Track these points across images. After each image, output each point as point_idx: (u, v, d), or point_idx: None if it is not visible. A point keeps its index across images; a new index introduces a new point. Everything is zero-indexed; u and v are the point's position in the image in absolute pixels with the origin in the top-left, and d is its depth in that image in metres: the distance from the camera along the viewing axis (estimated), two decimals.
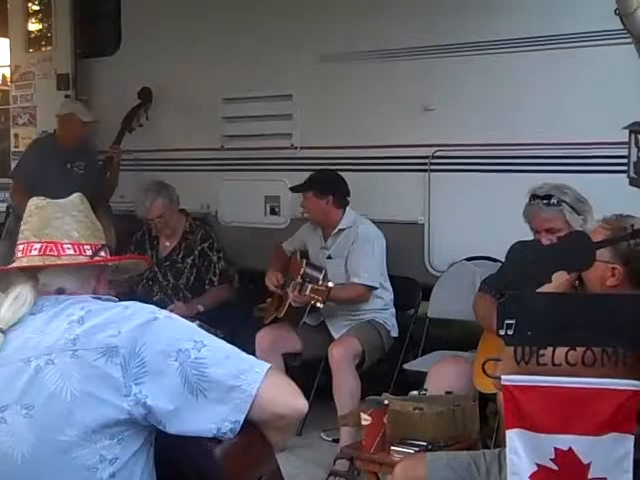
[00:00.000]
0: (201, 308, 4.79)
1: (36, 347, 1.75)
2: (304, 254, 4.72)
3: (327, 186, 4.58)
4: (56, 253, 1.87)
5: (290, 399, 1.77)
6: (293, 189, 4.77)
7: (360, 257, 4.50)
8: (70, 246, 1.88)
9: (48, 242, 1.88)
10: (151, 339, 1.74)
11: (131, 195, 5.42)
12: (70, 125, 5.75)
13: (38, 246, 1.88)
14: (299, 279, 4.40)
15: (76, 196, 2.00)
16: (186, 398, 1.71)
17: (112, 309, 1.80)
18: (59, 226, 1.90)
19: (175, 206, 5.01)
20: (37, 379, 1.72)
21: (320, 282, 4.22)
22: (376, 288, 4.52)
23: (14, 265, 1.90)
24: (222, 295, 4.96)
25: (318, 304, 4.08)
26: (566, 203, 3.50)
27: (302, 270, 4.50)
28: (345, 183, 4.62)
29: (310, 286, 4.14)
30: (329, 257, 4.62)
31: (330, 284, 4.11)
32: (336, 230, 4.61)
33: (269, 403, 1.74)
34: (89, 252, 1.90)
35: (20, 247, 1.90)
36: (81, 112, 5.77)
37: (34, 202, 1.95)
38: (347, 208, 4.63)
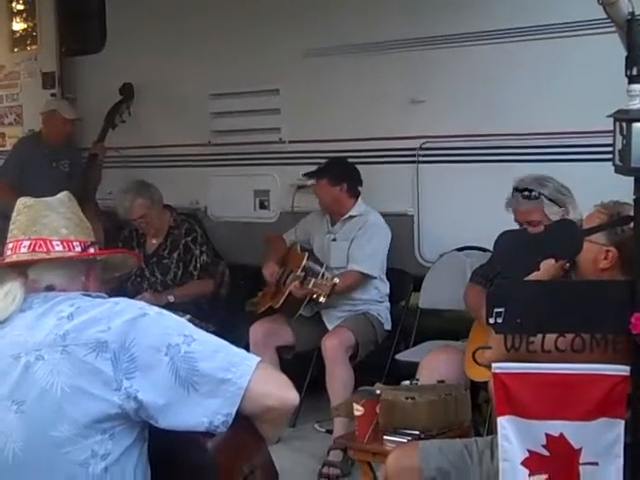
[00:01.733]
0: (171, 299, 4.73)
1: (26, 343, 1.76)
2: (305, 248, 4.71)
3: (341, 174, 4.59)
4: (45, 250, 1.88)
5: (281, 391, 1.78)
6: (307, 174, 4.74)
7: (364, 244, 4.52)
8: (59, 242, 1.89)
9: (37, 239, 1.88)
10: (141, 334, 1.74)
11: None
12: (54, 122, 5.75)
13: (27, 243, 1.88)
14: (300, 272, 4.41)
15: (64, 194, 2.01)
16: (177, 392, 1.72)
17: (101, 305, 1.81)
18: (47, 223, 1.90)
19: (157, 205, 4.98)
20: (27, 375, 1.73)
21: (323, 277, 4.19)
22: (374, 277, 4.53)
23: (3, 262, 1.90)
24: (198, 289, 4.93)
25: (321, 298, 4.07)
26: (544, 196, 3.56)
27: (304, 262, 4.50)
28: (358, 173, 4.64)
29: (313, 280, 4.15)
30: (334, 239, 4.63)
31: (335, 280, 4.09)
32: (346, 216, 4.62)
33: (260, 395, 1.75)
34: (78, 248, 1.92)
35: (9, 245, 1.91)
36: (64, 109, 5.78)
37: (22, 201, 1.96)
38: (359, 198, 4.64)
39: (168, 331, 1.77)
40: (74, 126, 5.89)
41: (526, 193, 3.59)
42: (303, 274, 4.33)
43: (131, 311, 1.79)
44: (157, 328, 1.77)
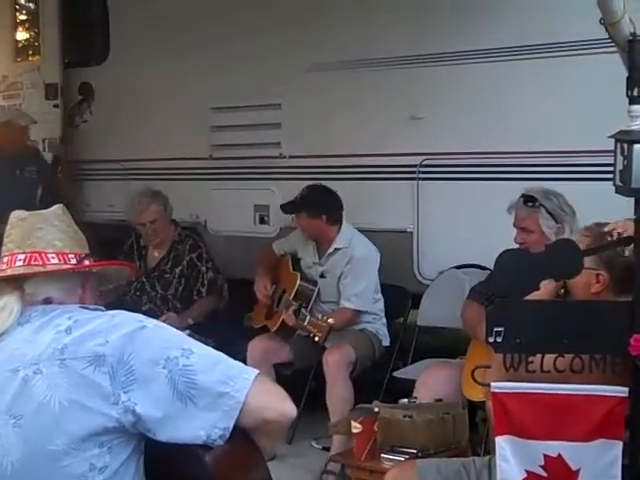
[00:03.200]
0: (190, 321, 4.76)
1: (24, 357, 1.75)
2: (295, 262, 4.69)
3: (318, 205, 4.52)
4: (41, 262, 1.87)
5: (279, 404, 1.78)
6: (284, 209, 4.69)
7: (353, 281, 4.48)
8: (54, 255, 1.89)
9: (32, 252, 1.88)
10: (139, 347, 1.74)
11: (120, 204, 5.42)
12: (9, 132, 5.79)
13: (22, 257, 1.88)
14: (293, 297, 4.40)
15: (57, 207, 2.01)
16: (175, 405, 1.72)
17: (99, 318, 1.81)
18: (42, 236, 1.90)
19: (168, 215, 5.00)
20: (25, 389, 1.73)
21: (320, 316, 4.10)
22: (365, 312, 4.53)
23: None
24: (210, 306, 4.95)
25: (316, 339, 4.02)
26: (545, 208, 3.63)
27: (297, 285, 4.49)
28: (337, 198, 4.56)
29: (309, 317, 4.08)
30: (322, 275, 4.59)
31: (330, 321, 4.01)
32: (332, 249, 4.56)
33: (258, 409, 1.74)
34: (73, 261, 1.91)
35: (4, 259, 1.90)
36: (18, 117, 5.82)
37: (15, 215, 1.95)
38: (343, 223, 4.57)
39: (166, 344, 1.76)
40: (29, 131, 5.90)
41: (529, 201, 3.66)
42: (297, 305, 4.26)
43: (129, 324, 1.78)
44: (155, 341, 1.77)
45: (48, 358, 1.74)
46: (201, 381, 1.72)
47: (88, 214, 6.16)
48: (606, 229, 2.45)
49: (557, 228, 3.61)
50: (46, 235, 1.90)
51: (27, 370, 1.74)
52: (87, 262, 1.94)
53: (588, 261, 2.40)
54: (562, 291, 2.59)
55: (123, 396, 1.71)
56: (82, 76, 6.26)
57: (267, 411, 1.76)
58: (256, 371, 1.79)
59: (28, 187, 5.51)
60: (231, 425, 1.72)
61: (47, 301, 1.88)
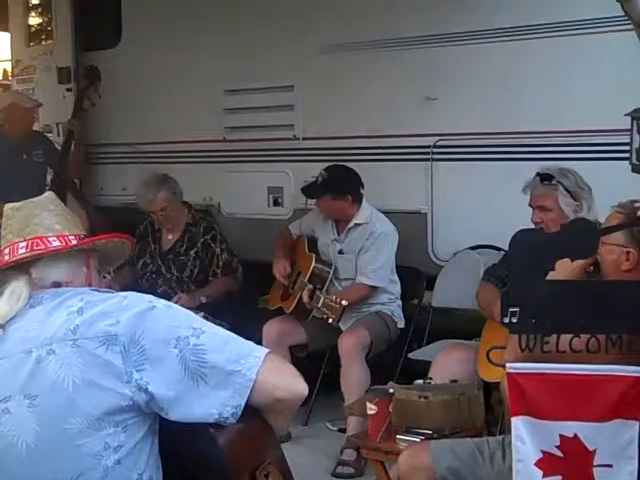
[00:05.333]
0: (203, 300, 4.77)
1: (36, 338, 1.77)
2: (312, 243, 4.68)
3: (343, 186, 4.47)
4: (44, 247, 1.90)
5: (290, 383, 1.79)
6: (306, 193, 4.65)
7: (372, 257, 4.45)
8: (55, 238, 1.91)
9: (33, 238, 1.90)
10: (150, 327, 1.76)
11: (133, 188, 5.42)
12: (15, 115, 5.76)
13: (24, 244, 1.90)
14: (308, 279, 4.39)
15: (48, 193, 2.04)
16: (187, 384, 1.73)
17: (110, 299, 1.82)
18: (40, 222, 1.92)
19: (178, 199, 4.99)
20: (39, 369, 1.74)
21: (333, 297, 4.09)
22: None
23: (4, 261, 1.91)
24: (225, 287, 4.96)
25: (330, 320, 4.03)
26: (563, 186, 3.59)
27: (311, 267, 4.48)
28: (357, 176, 4.53)
29: (322, 299, 4.08)
30: (340, 252, 4.57)
31: (344, 302, 3.99)
32: (352, 224, 4.53)
33: (269, 387, 1.75)
34: (74, 241, 1.94)
35: (6, 250, 1.92)
36: (22, 100, 5.81)
37: (9, 206, 1.97)
38: (363, 201, 4.55)
39: (177, 323, 1.78)
40: (35, 114, 5.89)
41: (545, 179, 3.61)
42: (312, 286, 4.26)
43: (140, 304, 1.80)
44: (166, 321, 1.78)
45: (61, 338, 1.75)
46: (212, 360, 1.74)
47: (102, 198, 6.18)
48: (637, 204, 2.41)
49: (575, 206, 3.56)
50: (44, 220, 1.93)
51: (40, 350, 1.75)
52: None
53: (619, 238, 2.39)
54: (591, 268, 2.56)
55: (136, 374, 1.72)
56: (94, 60, 6.25)
57: (278, 389, 1.77)
58: (267, 350, 1.80)
59: (36, 172, 5.51)
60: (242, 403, 1.73)
61: (56, 285, 1.90)
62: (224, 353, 1.75)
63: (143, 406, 1.74)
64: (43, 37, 7.15)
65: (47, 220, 1.93)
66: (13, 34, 7.01)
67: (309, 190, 4.62)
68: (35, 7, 7.34)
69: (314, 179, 4.59)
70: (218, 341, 1.77)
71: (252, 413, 1.77)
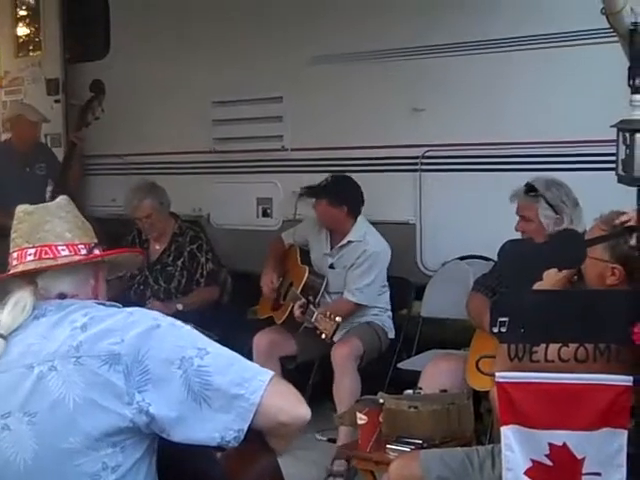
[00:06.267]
0: (180, 307, 4.72)
1: (39, 353, 1.75)
2: (304, 254, 4.67)
3: (342, 195, 4.46)
4: (52, 255, 1.86)
5: (293, 407, 1.77)
6: (306, 192, 4.63)
7: (361, 275, 4.45)
8: (65, 247, 1.88)
9: (42, 246, 1.87)
10: (154, 347, 1.73)
11: (122, 199, 5.42)
12: (20, 127, 5.77)
13: (32, 251, 1.86)
14: (300, 291, 4.38)
15: (62, 198, 1.99)
16: (189, 406, 1.70)
17: (115, 315, 1.79)
18: (51, 229, 1.89)
19: (165, 208, 4.98)
20: (40, 386, 1.72)
21: (327, 313, 4.02)
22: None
23: (10, 272, 1.89)
24: (205, 296, 4.94)
25: (323, 336, 3.99)
26: (544, 199, 3.62)
27: (304, 279, 4.48)
28: (360, 191, 4.51)
29: (316, 314, 4.03)
30: (331, 266, 4.58)
31: (338, 319, 3.96)
32: (345, 241, 4.53)
33: (272, 411, 1.73)
34: (84, 251, 1.90)
35: (14, 255, 1.89)
36: (29, 112, 5.80)
37: (21, 209, 1.94)
38: (359, 218, 4.53)
39: (182, 343, 1.75)
40: (40, 128, 5.89)
41: (529, 191, 3.66)
42: (304, 300, 4.22)
43: (145, 322, 1.76)
44: (171, 339, 1.75)
45: (63, 355, 1.73)
46: (216, 382, 1.71)
47: (91, 208, 6.16)
48: (618, 220, 2.43)
49: (555, 219, 3.60)
50: (55, 228, 1.89)
51: (42, 366, 1.73)
52: (97, 251, 1.93)
53: (603, 254, 2.41)
54: (575, 278, 2.58)
55: (137, 396, 1.70)
56: (83, 71, 6.26)
57: (281, 414, 1.75)
58: (271, 373, 1.77)
59: (37, 184, 5.50)
60: (245, 427, 1.71)
61: (61, 296, 1.87)
62: (228, 375, 1.72)
63: (143, 428, 1.71)
64: (31, 48, 7.14)
65: (58, 227, 1.89)
66: (1, 45, 6.99)
67: (310, 191, 4.63)
68: (23, 18, 7.32)
69: (319, 183, 4.59)
70: (222, 362, 1.74)
71: (253, 434, 1.74)
